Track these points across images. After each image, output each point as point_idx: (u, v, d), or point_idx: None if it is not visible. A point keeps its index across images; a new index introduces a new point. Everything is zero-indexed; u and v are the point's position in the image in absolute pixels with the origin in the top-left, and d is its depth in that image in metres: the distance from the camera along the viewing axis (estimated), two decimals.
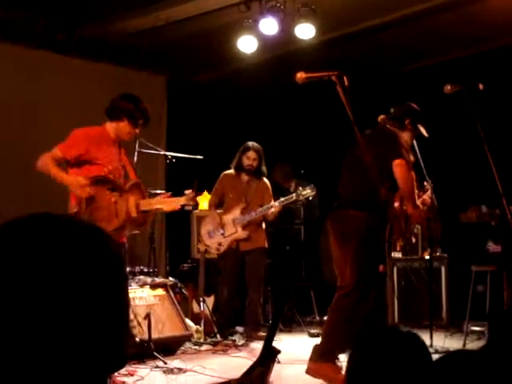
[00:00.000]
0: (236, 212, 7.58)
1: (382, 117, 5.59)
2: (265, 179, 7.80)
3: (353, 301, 5.11)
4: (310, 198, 7.48)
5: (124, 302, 1.06)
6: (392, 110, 5.66)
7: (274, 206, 7.44)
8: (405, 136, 5.51)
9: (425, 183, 6.08)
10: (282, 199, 7.41)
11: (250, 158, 7.65)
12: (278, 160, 9.04)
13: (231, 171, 7.82)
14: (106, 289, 1.01)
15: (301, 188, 7.34)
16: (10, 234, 1.00)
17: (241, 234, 7.55)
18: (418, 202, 5.56)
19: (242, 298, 7.82)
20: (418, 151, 5.88)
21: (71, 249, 1.00)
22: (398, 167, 5.17)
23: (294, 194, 7.35)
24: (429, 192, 6.01)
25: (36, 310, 0.94)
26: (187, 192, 5.87)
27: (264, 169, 7.76)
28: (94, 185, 5.34)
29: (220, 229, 7.58)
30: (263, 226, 7.76)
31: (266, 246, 7.77)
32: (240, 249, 7.60)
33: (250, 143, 7.69)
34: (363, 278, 5.07)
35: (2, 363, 0.94)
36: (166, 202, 5.93)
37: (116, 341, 1.02)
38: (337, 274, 5.34)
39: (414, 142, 5.80)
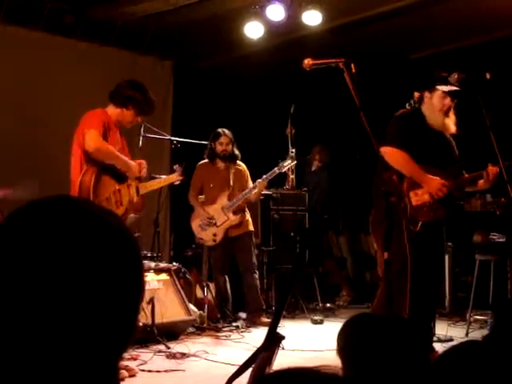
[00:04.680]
0: (222, 200, 7.61)
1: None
2: (240, 162, 7.85)
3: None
4: (293, 167, 7.77)
5: (140, 285, 1.07)
6: None
7: (259, 182, 7.51)
8: (425, 109, 5.35)
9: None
10: (266, 175, 7.50)
11: (222, 144, 7.69)
12: (281, 145, 9.04)
13: (205, 161, 7.84)
14: (124, 270, 1.02)
15: (280, 160, 7.46)
16: (35, 213, 1.01)
17: (234, 219, 7.58)
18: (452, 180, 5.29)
19: (241, 284, 7.83)
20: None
21: (93, 231, 1.01)
22: (384, 155, 4.98)
23: (275, 168, 7.46)
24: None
25: (53, 286, 0.95)
26: (176, 167, 6.16)
27: (237, 152, 7.80)
28: (99, 175, 5.26)
29: (211, 220, 7.59)
30: (246, 210, 7.81)
31: (253, 229, 7.82)
32: (229, 235, 7.63)
33: (220, 130, 7.74)
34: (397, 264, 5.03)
35: (16, 334, 0.95)
36: (160, 182, 6.13)
37: (128, 323, 1.04)
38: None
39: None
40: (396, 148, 5.13)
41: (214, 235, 7.58)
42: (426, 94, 5.34)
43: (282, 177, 8.48)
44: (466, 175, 5.40)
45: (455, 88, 5.25)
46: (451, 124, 5.38)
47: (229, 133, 7.72)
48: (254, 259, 7.78)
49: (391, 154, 5.10)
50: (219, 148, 7.68)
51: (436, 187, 5.14)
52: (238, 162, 7.83)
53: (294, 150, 7.90)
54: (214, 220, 7.57)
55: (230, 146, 7.71)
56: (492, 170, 5.19)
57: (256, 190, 7.55)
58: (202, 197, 7.69)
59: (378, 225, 5.17)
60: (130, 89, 5.52)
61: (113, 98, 5.53)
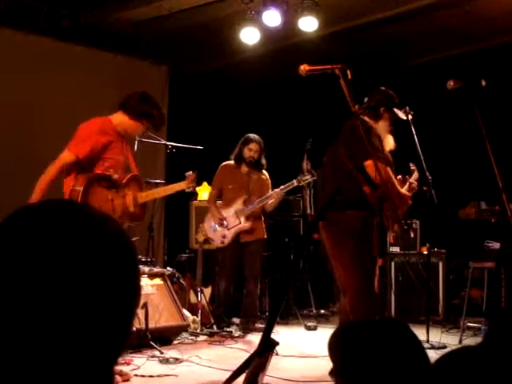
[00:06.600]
0: (238, 204, 7.57)
1: (356, 107, 5.17)
2: (264, 172, 7.79)
3: (362, 301, 5.05)
4: (311, 183, 7.71)
5: (136, 290, 1.06)
6: (366, 100, 5.47)
7: (276, 192, 7.43)
8: (381, 126, 5.35)
9: (410, 165, 5.84)
10: (283, 186, 7.40)
11: (251, 150, 7.63)
12: (277, 152, 9.03)
13: (231, 162, 7.79)
14: (120, 274, 1.02)
15: (301, 174, 7.39)
16: (33, 216, 1.01)
17: (245, 224, 7.54)
18: (405, 187, 5.42)
19: (239, 290, 7.83)
20: (416, 140, 5.71)
21: (91, 234, 1.00)
22: (368, 168, 5.05)
23: (294, 180, 7.35)
24: (415, 175, 5.77)
25: (48, 289, 0.95)
26: (188, 174, 5.79)
27: (264, 161, 7.74)
28: (89, 185, 5.19)
29: (223, 221, 7.57)
30: (262, 217, 7.76)
31: (266, 236, 7.77)
32: (240, 240, 7.60)
33: (252, 135, 7.68)
34: (364, 276, 5.00)
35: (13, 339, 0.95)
36: (166, 190, 5.94)
37: (124, 327, 1.03)
38: (336, 276, 5.30)
39: (413, 130, 5.70)
40: (377, 161, 4.99)
41: (223, 237, 7.57)
42: (384, 112, 5.37)
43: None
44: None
45: (405, 118, 5.42)
46: (392, 141, 5.44)
47: (260, 140, 7.68)
48: (261, 267, 7.77)
49: (372, 168, 5.01)
50: (247, 153, 7.63)
51: (408, 200, 5.23)
52: (264, 171, 7.80)
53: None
54: (225, 222, 7.57)
55: (258, 153, 7.66)
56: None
57: (272, 200, 7.49)
58: (220, 202, 7.69)
59: (340, 243, 5.14)
60: (150, 106, 5.42)
61: (129, 110, 5.38)
